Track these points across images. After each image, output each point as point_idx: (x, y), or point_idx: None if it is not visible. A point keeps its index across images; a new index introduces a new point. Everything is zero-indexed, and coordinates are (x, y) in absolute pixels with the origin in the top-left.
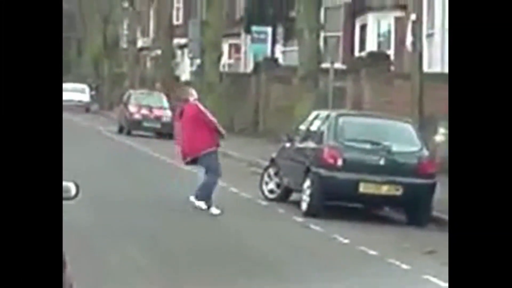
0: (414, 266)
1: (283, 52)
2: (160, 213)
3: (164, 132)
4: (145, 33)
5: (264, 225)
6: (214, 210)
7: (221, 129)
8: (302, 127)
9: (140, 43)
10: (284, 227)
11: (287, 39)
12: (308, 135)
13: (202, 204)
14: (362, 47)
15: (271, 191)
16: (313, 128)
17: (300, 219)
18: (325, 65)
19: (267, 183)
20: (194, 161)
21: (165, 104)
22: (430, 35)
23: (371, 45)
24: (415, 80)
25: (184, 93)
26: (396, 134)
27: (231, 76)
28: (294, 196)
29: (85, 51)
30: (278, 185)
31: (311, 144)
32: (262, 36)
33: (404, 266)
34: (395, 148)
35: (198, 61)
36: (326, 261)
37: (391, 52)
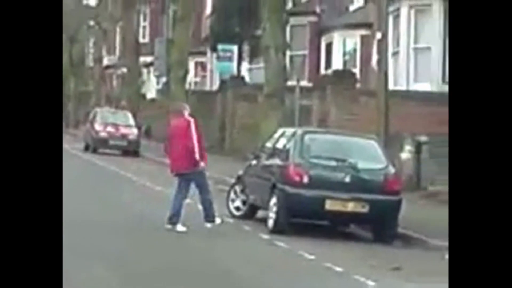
0: (380, 282)
1: (249, 70)
2: (127, 233)
3: (130, 150)
4: (111, 51)
5: (230, 242)
6: (180, 228)
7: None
8: (268, 144)
9: (106, 61)
10: (250, 244)
11: (253, 57)
12: (274, 152)
13: (218, 220)
14: (328, 65)
15: (237, 209)
16: (279, 145)
17: (266, 236)
18: (291, 83)
19: (233, 200)
20: (180, 175)
21: (131, 122)
22: (395, 53)
23: (337, 63)
24: (380, 98)
25: (178, 108)
26: (361, 151)
27: (197, 94)
28: (260, 214)
29: None
30: (244, 202)
31: (277, 162)
32: (228, 54)
33: (370, 283)
34: (360, 165)
35: (164, 79)
36: (292, 278)
37: (356, 70)
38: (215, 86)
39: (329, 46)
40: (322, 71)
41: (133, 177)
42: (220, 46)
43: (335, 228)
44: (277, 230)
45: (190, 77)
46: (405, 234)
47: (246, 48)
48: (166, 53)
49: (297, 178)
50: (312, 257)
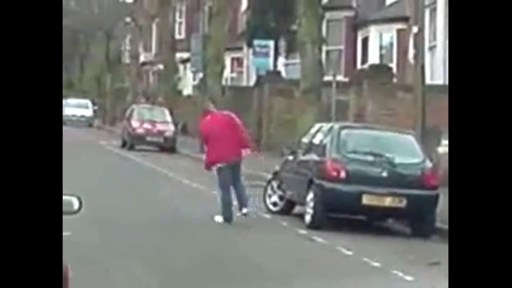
0: (418, 277)
1: (286, 65)
2: (164, 229)
3: (167, 147)
4: (147, 48)
5: (268, 238)
6: (218, 218)
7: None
8: (305, 140)
9: (142, 58)
10: (287, 240)
11: (289, 52)
12: (311, 147)
13: (250, 209)
14: (364, 59)
15: (274, 204)
16: (316, 140)
17: (303, 232)
18: (327, 78)
19: (270, 196)
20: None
21: (168, 118)
22: (432, 47)
23: (373, 58)
24: (417, 92)
25: (208, 106)
26: (398, 146)
27: (233, 90)
28: (297, 209)
29: (88, 67)
30: (281, 198)
31: (314, 157)
32: (264, 49)
33: (408, 278)
34: (397, 160)
35: (200, 75)
36: (329, 273)
37: (393, 64)
38: (252, 82)
39: (365, 41)
40: (359, 65)
41: (169, 174)
42: (256, 42)
43: (372, 223)
44: (314, 225)
45: (227, 72)
46: (443, 229)
47: (282, 43)
48: (202, 49)
49: (334, 173)
50: (350, 252)
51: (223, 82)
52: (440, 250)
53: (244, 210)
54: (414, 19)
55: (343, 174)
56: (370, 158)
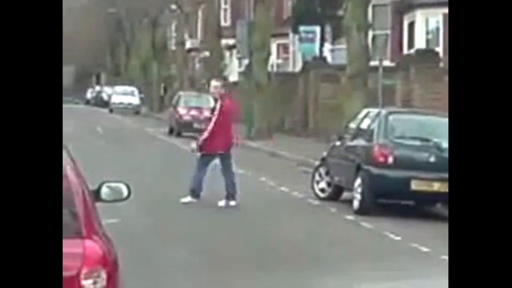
0: None
1: (332, 51)
2: (213, 213)
3: None
4: (193, 35)
5: (316, 224)
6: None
7: None
8: (352, 125)
9: (188, 45)
10: (336, 226)
11: (335, 37)
12: (358, 133)
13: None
14: (411, 44)
15: (322, 190)
16: (363, 126)
17: (351, 217)
18: (373, 63)
19: (318, 182)
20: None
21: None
22: None
23: (420, 42)
24: None
25: (218, 89)
26: (446, 131)
27: (279, 76)
28: (345, 195)
29: (134, 54)
30: (329, 184)
31: (361, 142)
32: (310, 35)
33: None
34: (445, 144)
35: (246, 61)
36: (378, 258)
37: (440, 48)
38: (298, 68)
39: (411, 25)
40: (405, 50)
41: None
42: (302, 28)
43: (421, 208)
44: (363, 211)
45: (273, 59)
46: None
47: (328, 28)
48: (248, 35)
49: (382, 159)
50: (398, 237)
51: (269, 68)
52: None
53: (232, 203)
54: None
55: (391, 160)
56: (417, 143)
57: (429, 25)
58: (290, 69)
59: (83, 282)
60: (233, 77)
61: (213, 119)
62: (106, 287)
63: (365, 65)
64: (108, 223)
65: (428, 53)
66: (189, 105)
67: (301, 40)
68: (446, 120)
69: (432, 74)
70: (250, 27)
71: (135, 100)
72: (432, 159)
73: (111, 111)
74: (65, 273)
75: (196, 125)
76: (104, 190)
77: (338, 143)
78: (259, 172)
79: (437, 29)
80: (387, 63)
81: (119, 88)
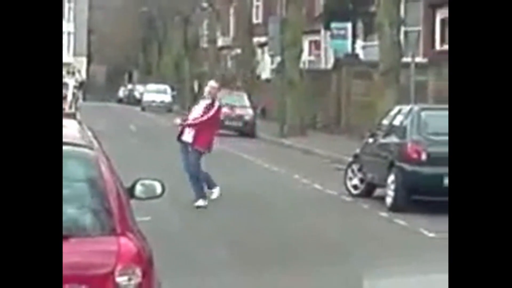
0: None
1: (364, 47)
2: (245, 209)
3: (246, 131)
4: (225, 32)
5: (349, 221)
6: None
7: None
8: (385, 122)
9: (220, 42)
10: (369, 222)
11: (367, 34)
12: (391, 130)
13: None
14: (443, 40)
15: (355, 187)
16: (396, 122)
17: (385, 214)
18: (406, 59)
19: (351, 179)
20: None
21: (247, 102)
22: None
23: None
24: None
25: (215, 90)
26: None
27: (311, 73)
28: (378, 192)
29: (166, 52)
30: (362, 181)
31: (394, 139)
32: (342, 32)
33: None
34: None
35: (278, 58)
36: (412, 255)
37: None
38: (330, 65)
39: (444, 21)
40: (437, 46)
41: (249, 158)
42: (333, 24)
43: None
44: (396, 208)
45: (305, 56)
46: None
47: (360, 25)
48: (280, 32)
49: (415, 156)
50: (432, 234)
51: (301, 65)
52: None
53: (214, 196)
54: None
55: (424, 156)
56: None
57: None
58: (322, 66)
59: (118, 279)
60: (265, 75)
61: (208, 114)
62: (141, 284)
63: (397, 61)
64: (140, 221)
65: None
66: (221, 102)
67: (332, 36)
68: None
69: None
70: (282, 24)
71: (167, 98)
72: None
73: (143, 109)
74: (100, 270)
75: (227, 123)
76: (138, 188)
77: (370, 140)
78: (292, 169)
79: None
80: (419, 59)
81: (151, 86)
